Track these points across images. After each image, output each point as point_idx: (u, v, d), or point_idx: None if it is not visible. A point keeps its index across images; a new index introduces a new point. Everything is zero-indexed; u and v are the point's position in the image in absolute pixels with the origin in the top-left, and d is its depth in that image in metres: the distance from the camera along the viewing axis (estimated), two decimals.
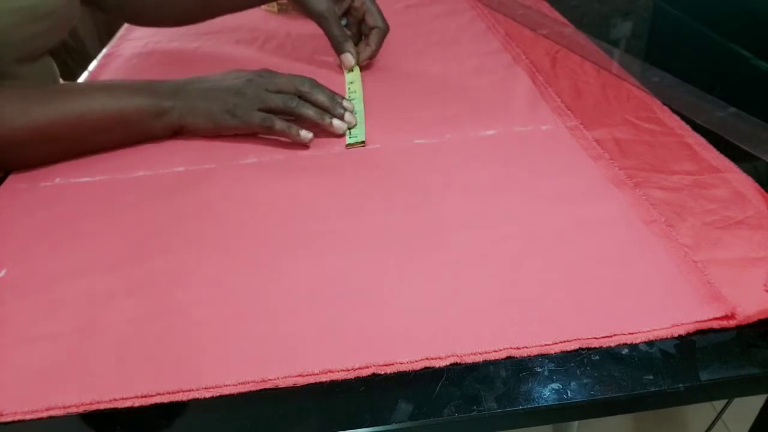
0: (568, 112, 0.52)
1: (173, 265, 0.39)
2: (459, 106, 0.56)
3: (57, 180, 0.49)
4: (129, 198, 0.46)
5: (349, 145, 0.50)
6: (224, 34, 0.76)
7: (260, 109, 0.51)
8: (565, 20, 0.72)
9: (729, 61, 0.64)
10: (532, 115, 0.53)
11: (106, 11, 0.68)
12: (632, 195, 0.41)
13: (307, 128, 0.51)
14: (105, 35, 1.26)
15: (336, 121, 0.52)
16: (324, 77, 0.61)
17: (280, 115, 0.51)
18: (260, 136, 0.53)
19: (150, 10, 0.68)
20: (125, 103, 0.51)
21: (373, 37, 0.64)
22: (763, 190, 0.41)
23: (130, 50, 0.75)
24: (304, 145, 0.51)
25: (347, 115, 0.53)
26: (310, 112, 0.51)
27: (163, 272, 0.38)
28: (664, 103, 0.52)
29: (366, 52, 0.64)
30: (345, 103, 0.54)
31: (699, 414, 0.98)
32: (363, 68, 0.65)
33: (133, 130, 0.52)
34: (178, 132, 0.54)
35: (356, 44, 0.64)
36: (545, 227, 0.39)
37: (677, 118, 0.50)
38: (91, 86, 0.54)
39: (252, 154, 0.50)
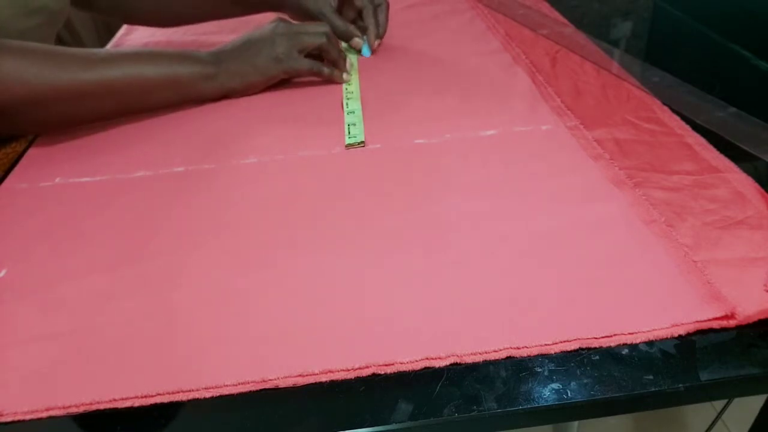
0: (568, 112, 0.52)
1: (173, 264, 0.39)
2: (459, 106, 0.56)
3: (57, 180, 0.49)
4: (129, 198, 0.46)
5: (348, 146, 0.50)
6: (223, 35, 0.76)
7: (299, 51, 0.58)
8: (565, 20, 0.72)
9: (729, 61, 0.64)
10: (532, 115, 0.53)
11: (98, 12, 0.70)
12: (632, 195, 0.41)
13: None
14: (105, 35, 1.26)
15: (345, 75, 0.62)
16: (315, 83, 0.61)
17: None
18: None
19: (142, 12, 0.71)
20: (176, 69, 0.56)
21: (381, 15, 0.69)
22: (763, 190, 0.41)
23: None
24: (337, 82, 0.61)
25: (345, 76, 0.62)
26: (325, 71, 0.60)
27: (163, 272, 0.38)
28: (664, 103, 0.52)
29: (374, 32, 0.68)
30: (347, 65, 0.63)
31: (699, 414, 0.98)
32: (362, 66, 0.65)
33: (185, 93, 0.57)
34: (227, 95, 0.59)
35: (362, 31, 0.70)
36: (545, 227, 0.39)
37: (677, 118, 0.50)
38: (144, 53, 0.56)
39: (252, 154, 0.50)
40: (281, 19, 0.60)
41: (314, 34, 0.59)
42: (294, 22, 0.60)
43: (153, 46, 0.75)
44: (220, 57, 0.58)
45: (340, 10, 0.69)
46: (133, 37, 0.79)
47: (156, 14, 0.72)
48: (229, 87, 0.58)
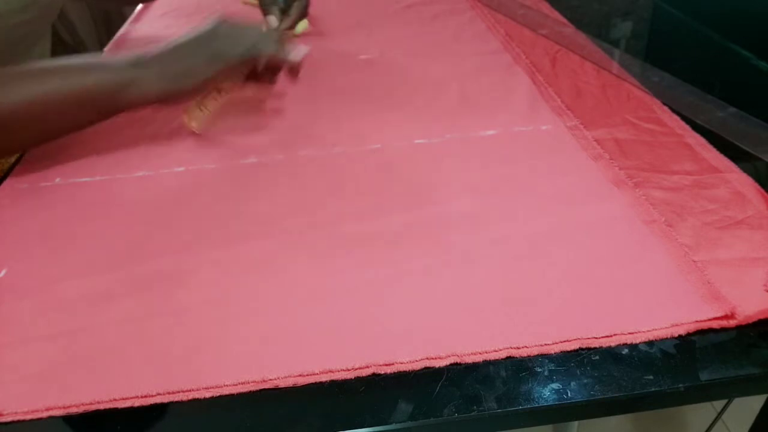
0: (568, 112, 0.52)
1: (173, 264, 0.39)
2: (459, 106, 0.56)
3: (57, 180, 0.49)
4: (129, 198, 0.46)
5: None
6: None
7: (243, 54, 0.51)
8: (565, 20, 0.72)
9: (729, 61, 0.64)
10: (532, 115, 0.53)
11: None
12: (632, 195, 0.41)
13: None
14: (105, 34, 1.26)
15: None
16: (316, 82, 0.61)
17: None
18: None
19: None
20: (84, 81, 0.48)
21: (294, 9, 0.67)
22: (763, 190, 0.41)
23: (130, 50, 0.74)
24: (294, 73, 0.53)
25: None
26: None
27: (163, 272, 0.38)
28: (664, 103, 0.52)
29: (285, 21, 0.67)
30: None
31: (699, 414, 0.98)
32: (363, 65, 0.65)
33: (103, 106, 0.50)
34: (161, 101, 0.51)
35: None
36: (545, 227, 0.39)
37: (677, 118, 0.50)
38: (46, 69, 0.49)
39: (252, 154, 0.50)
40: (223, 20, 0.53)
41: (266, 41, 0.52)
42: (238, 22, 0.53)
43: (155, 42, 0.75)
44: (141, 61, 0.50)
45: None
46: (134, 36, 0.79)
47: None
48: (155, 93, 0.50)
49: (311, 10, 0.80)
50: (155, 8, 0.86)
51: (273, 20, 0.66)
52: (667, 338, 0.31)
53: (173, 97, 0.51)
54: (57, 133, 0.50)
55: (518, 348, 0.31)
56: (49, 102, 0.47)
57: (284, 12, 0.68)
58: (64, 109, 0.48)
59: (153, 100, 0.51)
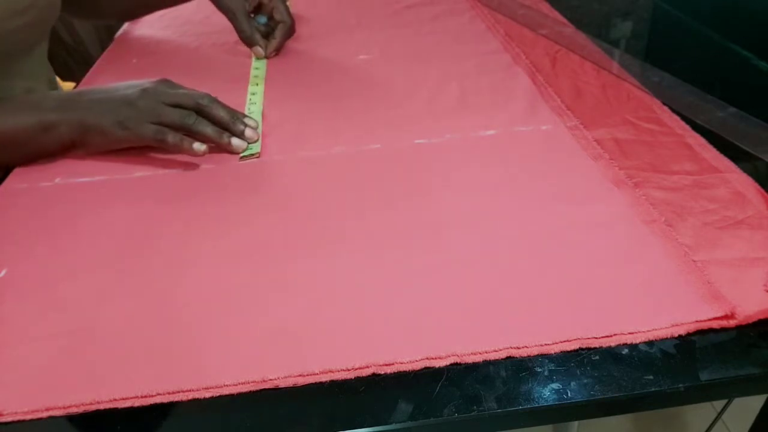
0: (568, 112, 0.52)
1: (173, 265, 0.39)
2: (459, 106, 0.56)
3: (57, 180, 0.49)
4: (129, 198, 0.46)
5: (243, 158, 0.50)
6: (224, 35, 0.76)
7: (154, 123, 0.48)
8: (565, 20, 0.72)
9: (729, 61, 0.64)
10: (532, 115, 0.53)
11: (69, 13, 0.70)
12: (632, 195, 0.41)
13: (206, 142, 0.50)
14: (105, 35, 1.26)
15: (234, 140, 0.50)
16: (316, 82, 0.61)
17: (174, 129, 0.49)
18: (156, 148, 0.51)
19: (88, 5, 0.72)
20: (7, 123, 0.49)
21: (278, 31, 0.68)
22: (763, 190, 0.41)
23: (131, 51, 0.75)
24: (198, 156, 0.50)
25: (248, 131, 0.51)
26: (207, 130, 0.49)
27: (163, 272, 0.38)
28: (664, 103, 0.52)
29: (271, 45, 0.68)
30: (247, 120, 0.52)
31: (699, 414, 0.98)
32: (363, 65, 0.65)
33: (27, 148, 0.50)
34: (75, 146, 0.51)
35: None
36: (545, 227, 0.39)
37: (677, 118, 0.50)
38: None
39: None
40: (164, 81, 0.51)
41: (182, 113, 0.49)
42: (177, 85, 0.52)
43: (153, 47, 0.75)
44: (66, 104, 0.50)
45: (254, 12, 0.68)
46: (135, 36, 0.79)
47: (99, 10, 0.74)
48: (70, 140, 0.50)
49: (310, 11, 0.81)
50: None
51: (259, 51, 0.67)
52: (667, 338, 0.31)
53: (86, 147, 0.51)
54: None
55: (518, 348, 0.31)
56: None
57: (267, 36, 0.69)
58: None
59: (68, 145, 0.51)
